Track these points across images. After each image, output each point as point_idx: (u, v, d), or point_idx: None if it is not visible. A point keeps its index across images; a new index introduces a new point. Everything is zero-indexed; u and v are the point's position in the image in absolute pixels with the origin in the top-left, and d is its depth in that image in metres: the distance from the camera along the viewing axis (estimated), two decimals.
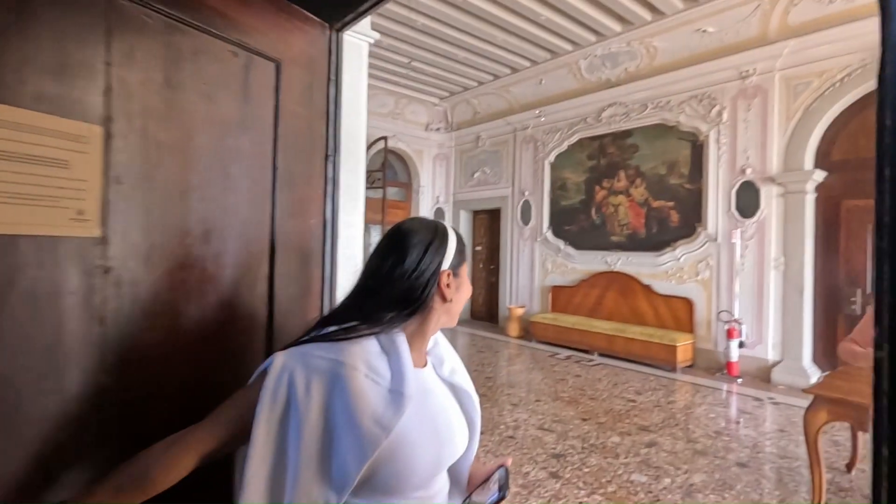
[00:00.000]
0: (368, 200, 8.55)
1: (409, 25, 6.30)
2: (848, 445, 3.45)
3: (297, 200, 1.19)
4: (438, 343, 1.01)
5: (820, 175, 5.26)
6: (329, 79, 1.27)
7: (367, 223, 8.93)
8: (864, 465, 3.24)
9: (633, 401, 4.67)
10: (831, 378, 2.77)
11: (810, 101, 5.28)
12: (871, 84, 4.93)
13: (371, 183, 8.66)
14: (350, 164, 1.46)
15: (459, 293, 0.93)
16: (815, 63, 5.23)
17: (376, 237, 8.93)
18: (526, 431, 3.83)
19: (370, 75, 8.18)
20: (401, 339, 0.85)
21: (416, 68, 7.84)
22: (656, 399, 4.75)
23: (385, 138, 8.59)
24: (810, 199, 5.33)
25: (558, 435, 3.77)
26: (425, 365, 0.93)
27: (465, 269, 0.96)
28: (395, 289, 0.84)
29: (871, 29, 4.83)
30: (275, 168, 1.14)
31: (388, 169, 9.48)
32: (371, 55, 7.33)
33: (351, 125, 1.44)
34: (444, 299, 0.89)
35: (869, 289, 5.00)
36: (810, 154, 5.32)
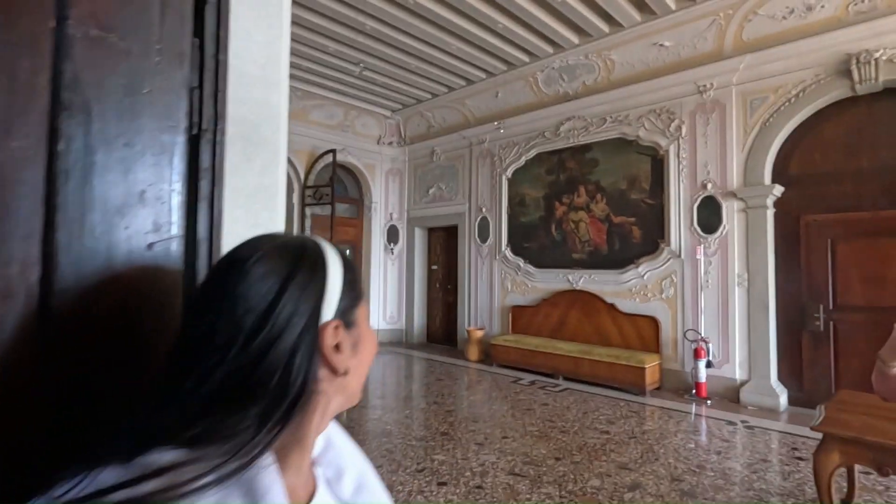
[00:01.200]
0: (316, 218, 7.96)
1: (357, 30, 5.87)
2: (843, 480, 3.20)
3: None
4: (332, 443, 0.62)
5: (779, 190, 5.21)
6: None
7: None
8: (861, 501, 2.99)
9: (607, 432, 4.31)
10: (837, 411, 2.48)
11: (767, 116, 5.25)
12: (825, 100, 4.95)
13: (318, 199, 8.07)
14: (254, 152, 0.94)
15: (359, 354, 0.56)
16: (770, 78, 5.22)
17: None
18: (496, 478, 3.35)
19: (316, 83, 7.69)
20: (270, 479, 0.44)
21: (367, 77, 7.40)
22: (630, 429, 4.42)
23: (334, 151, 8.05)
24: (771, 214, 5.27)
25: (532, 481, 3.32)
26: (312, 494, 0.53)
27: (364, 313, 0.59)
28: (232, 374, 0.45)
29: (823, 45, 4.86)
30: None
31: (338, 184, 8.92)
32: (318, 62, 6.85)
33: (255, 81, 0.92)
34: (333, 371, 0.52)
35: (831, 304, 4.94)
36: (769, 169, 5.27)
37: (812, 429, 2.33)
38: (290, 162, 8.14)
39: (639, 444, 4.02)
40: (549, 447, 3.94)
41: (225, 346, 0.45)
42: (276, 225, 1.16)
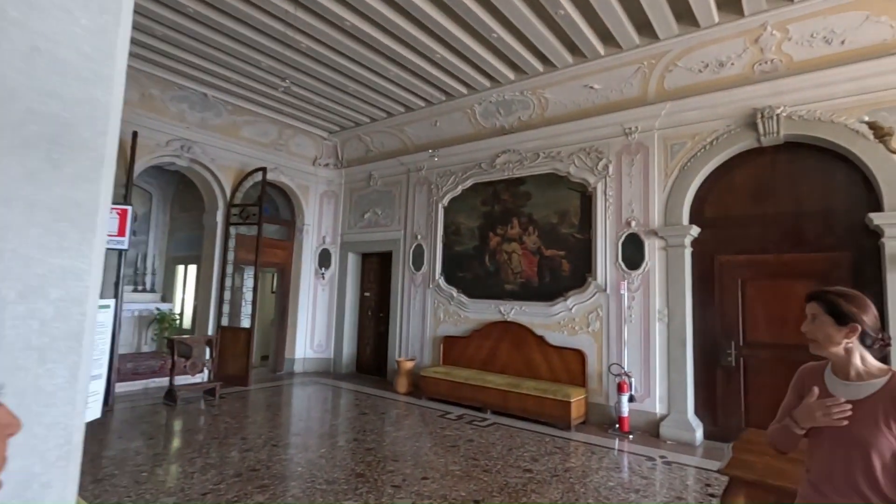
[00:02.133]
0: (241, 238, 7.50)
1: (291, 47, 5.68)
2: None
3: None
4: None
5: (695, 230, 5.49)
6: None
7: (240, 263, 7.81)
8: None
9: (530, 470, 4.19)
10: (742, 452, 2.50)
11: (685, 161, 5.56)
12: (735, 149, 5.31)
13: (245, 218, 7.64)
14: (64, 158, 0.74)
15: None
16: (688, 125, 5.56)
17: (249, 280, 7.80)
18: None
19: (248, 98, 7.37)
20: None
21: (303, 97, 7.18)
22: (553, 466, 4.33)
23: (264, 169, 7.70)
24: (689, 254, 5.52)
25: None
26: None
27: None
28: None
29: (733, 99, 5.24)
30: None
31: (268, 204, 8.52)
32: (250, 76, 6.56)
33: (75, 72, 0.73)
34: None
35: (741, 341, 5.18)
36: (687, 210, 5.56)
37: (718, 472, 2.31)
38: (215, 178, 7.69)
39: (560, 483, 3.93)
40: (469, 489, 3.75)
41: None
42: (91, 251, 0.94)
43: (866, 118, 3.81)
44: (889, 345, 1.49)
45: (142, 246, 9.53)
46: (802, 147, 5.03)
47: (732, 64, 5.23)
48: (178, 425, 5.32)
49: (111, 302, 1.70)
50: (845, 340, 1.45)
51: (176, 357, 6.37)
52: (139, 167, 6.76)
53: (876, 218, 4.44)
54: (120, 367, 6.90)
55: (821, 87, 4.80)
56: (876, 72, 4.53)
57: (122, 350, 8.41)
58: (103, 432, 4.92)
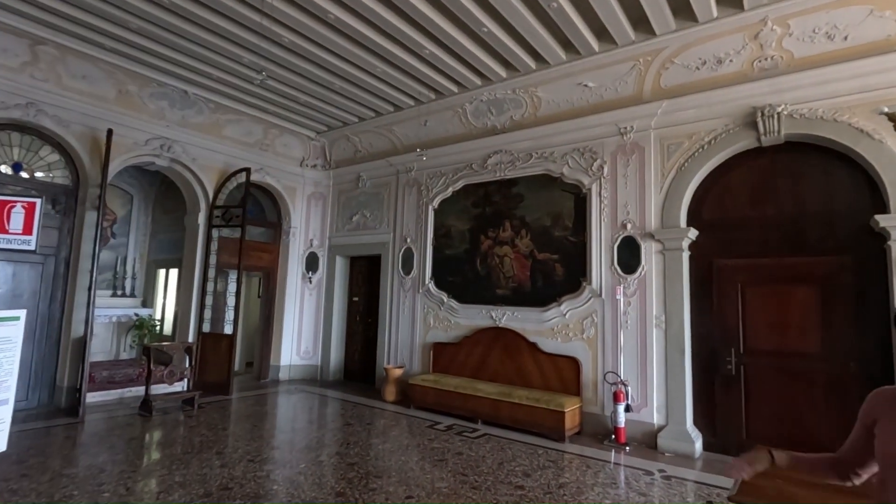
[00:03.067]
0: (224, 241, 7.21)
1: (273, 41, 5.44)
2: None
3: None
4: None
5: (693, 233, 5.29)
6: None
7: (222, 266, 7.53)
8: None
9: (522, 487, 3.95)
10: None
11: (682, 161, 5.37)
12: (734, 148, 5.13)
13: (228, 220, 7.37)
14: None
15: None
16: (685, 125, 5.37)
17: (232, 285, 7.52)
18: None
19: (231, 96, 7.11)
20: None
21: (288, 95, 6.93)
22: (546, 482, 4.09)
23: (248, 170, 7.45)
24: (686, 257, 5.32)
25: None
26: None
27: None
28: None
29: (732, 97, 5.06)
30: None
31: (253, 205, 8.26)
32: (232, 73, 6.29)
33: None
34: None
35: (741, 348, 4.98)
36: (685, 212, 5.36)
37: (729, 500, 2.09)
38: (197, 179, 7.42)
39: (554, 501, 3.69)
40: None
41: None
42: None
43: (886, 109, 3.63)
44: None
45: (121, 249, 9.21)
46: (804, 147, 4.85)
47: (731, 61, 5.06)
48: (150, 438, 5.03)
49: (21, 313, 1.45)
50: None
51: (153, 365, 6.08)
52: (116, 167, 6.48)
53: (882, 220, 4.26)
54: (94, 376, 6.60)
55: (823, 85, 4.62)
56: (880, 68, 4.36)
57: (98, 357, 8.10)
58: (69, 447, 4.63)
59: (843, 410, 4.36)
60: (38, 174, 6.09)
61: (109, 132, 6.04)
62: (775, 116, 4.81)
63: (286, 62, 5.92)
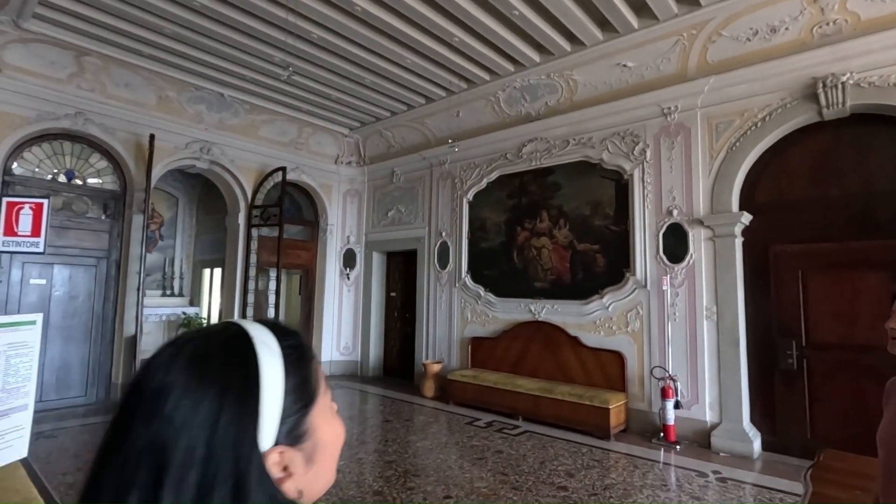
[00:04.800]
0: (263, 240, 7.35)
1: (304, 38, 5.43)
2: None
3: None
4: None
5: (747, 218, 4.92)
6: None
7: (263, 265, 7.68)
8: None
9: (565, 488, 3.79)
10: (824, 484, 2.04)
11: (733, 141, 5.00)
12: (791, 124, 4.72)
13: (266, 219, 7.49)
14: None
15: (317, 463, 0.48)
16: (735, 101, 4.99)
17: (272, 283, 7.66)
18: None
19: (265, 97, 7.20)
20: None
21: (319, 92, 6.95)
22: (591, 482, 3.91)
23: (283, 169, 7.53)
24: (739, 244, 4.96)
25: None
26: None
27: (322, 406, 0.52)
28: None
29: (789, 68, 4.66)
30: None
31: (290, 205, 8.38)
32: (264, 72, 6.36)
33: None
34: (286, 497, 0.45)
35: (804, 340, 4.60)
36: (736, 195, 4.99)
37: None
38: (235, 179, 7.58)
39: None
40: None
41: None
42: None
43: None
44: None
45: (169, 250, 9.59)
46: (872, 119, 4.39)
47: (787, 29, 4.64)
48: None
49: (38, 317, 1.44)
50: None
51: None
52: (159, 171, 6.69)
53: None
54: None
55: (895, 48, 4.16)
56: None
57: (150, 355, 8.46)
58: None
59: None
60: (90, 181, 6.37)
61: (152, 137, 6.24)
62: (839, 87, 4.38)
63: (316, 58, 5.92)
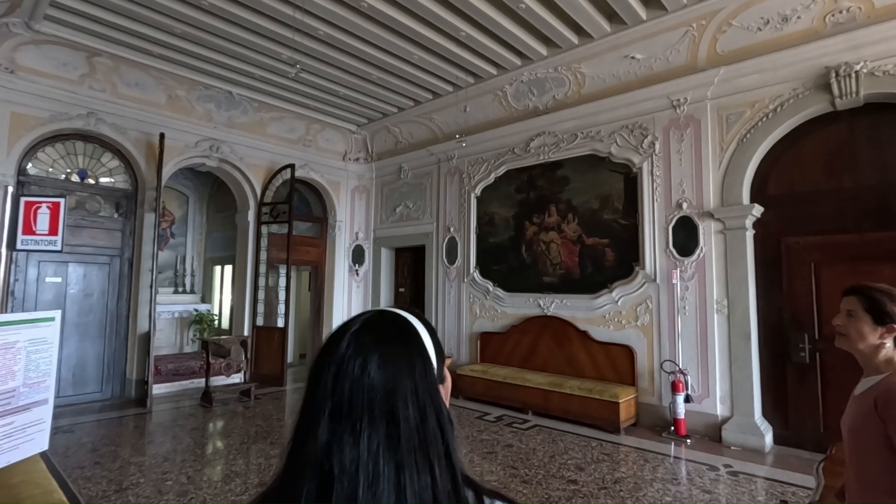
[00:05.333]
0: (272, 237, 7.42)
1: (310, 35, 5.45)
2: None
3: None
4: None
5: (758, 210, 4.87)
6: None
7: (272, 262, 7.75)
8: None
9: (575, 481, 3.80)
10: (835, 476, 2.02)
11: (744, 132, 4.94)
12: (803, 115, 4.65)
13: (276, 216, 7.55)
14: None
15: (447, 391, 0.70)
16: (746, 92, 4.93)
17: (283, 279, 7.71)
18: None
19: (273, 94, 7.25)
20: None
21: (327, 89, 6.97)
22: (601, 476, 3.91)
23: (292, 166, 7.58)
24: (750, 236, 4.91)
25: None
26: None
27: (446, 363, 0.74)
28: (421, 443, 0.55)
29: (801, 57, 4.59)
30: None
31: (299, 201, 8.43)
32: (271, 70, 6.39)
33: None
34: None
35: (817, 334, 4.55)
36: (747, 188, 4.94)
37: None
38: (245, 177, 7.64)
39: (610, 498, 3.52)
40: None
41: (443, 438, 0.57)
42: None
43: None
44: None
45: (180, 248, 9.70)
46: (887, 108, 4.32)
47: (799, 17, 4.57)
48: (210, 428, 5.25)
49: (56, 314, 1.47)
50: (879, 340, 1.39)
51: (211, 358, 6.35)
52: (170, 169, 6.77)
53: None
54: (161, 368, 7.00)
55: None
56: None
57: (163, 351, 8.59)
58: (137, 436, 4.91)
59: None
60: (102, 180, 6.46)
61: (161, 136, 6.30)
62: (853, 76, 4.30)
63: (323, 55, 5.94)
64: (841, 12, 4.39)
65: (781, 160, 4.86)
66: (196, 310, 9.29)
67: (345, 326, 0.62)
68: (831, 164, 4.58)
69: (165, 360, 7.55)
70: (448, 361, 0.90)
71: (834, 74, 4.38)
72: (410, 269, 8.56)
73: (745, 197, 4.93)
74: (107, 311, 6.28)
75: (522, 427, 5.24)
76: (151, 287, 6.15)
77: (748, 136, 4.91)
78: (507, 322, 6.70)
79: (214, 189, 9.86)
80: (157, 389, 6.47)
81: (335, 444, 0.53)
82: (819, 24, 4.52)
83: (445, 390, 0.67)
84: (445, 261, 7.55)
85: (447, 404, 0.63)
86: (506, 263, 6.86)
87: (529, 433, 5.04)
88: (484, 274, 7.09)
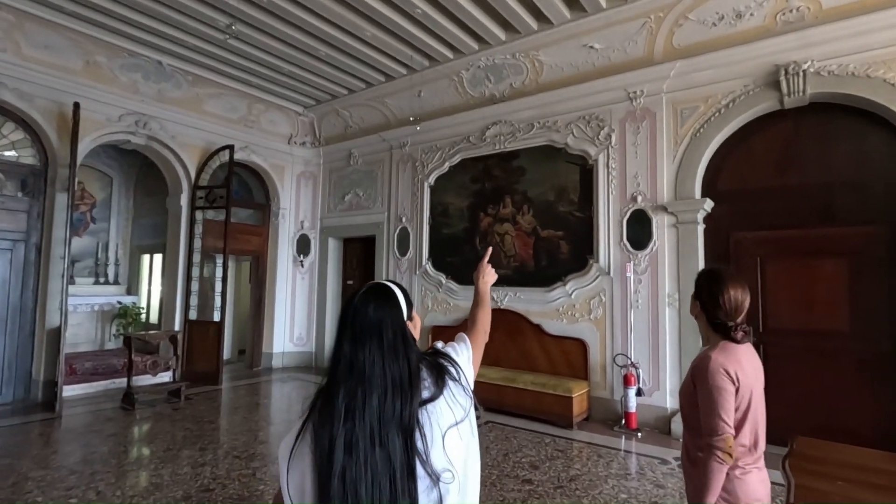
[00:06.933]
0: (208, 223, 6.79)
1: (253, 3, 4.96)
2: None
3: None
4: None
5: (709, 205, 4.92)
6: None
7: (208, 250, 7.13)
8: None
9: (530, 481, 3.64)
10: (806, 476, 1.94)
11: (697, 127, 4.97)
12: (753, 112, 4.72)
13: (212, 201, 6.95)
14: None
15: (416, 328, 1.12)
16: (701, 87, 4.95)
17: (219, 269, 7.13)
18: None
19: (211, 68, 6.63)
20: None
21: (271, 65, 6.46)
22: (556, 474, 3.79)
23: (231, 147, 6.99)
24: (701, 230, 4.96)
25: None
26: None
27: (414, 310, 1.15)
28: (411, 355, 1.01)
29: (753, 54, 4.64)
30: None
31: (239, 186, 7.84)
32: (208, 39, 5.80)
33: None
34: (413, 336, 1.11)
35: (762, 327, 4.65)
36: (699, 182, 4.98)
37: None
38: (177, 158, 6.98)
39: (566, 497, 3.39)
40: None
41: (407, 344, 0.97)
42: None
43: None
44: (745, 332, 1.62)
45: (102, 234, 8.79)
46: (832, 108, 4.44)
47: (752, 14, 4.61)
48: (130, 434, 4.70)
49: None
50: (697, 311, 1.71)
51: (135, 355, 5.74)
52: (87, 145, 6.04)
53: None
54: (76, 367, 6.26)
55: (855, 37, 4.20)
56: None
57: (82, 348, 7.77)
58: (40, 445, 4.30)
59: (875, 392, 4.05)
60: (4, 153, 5.65)
61: (76, 106, 5.58)
62: (800, 74, 4.39)
63: (266, 25, 5.45)
64: (791, 11, 4.46)
65: (732, 156, 4.93)
66: (120, 302, 8.46)
67: (357, 291, 1.02)
68: (779, 162, 4.68)
69: (83, 357, 6.79)
70: (418, 319, 1.16)
71: (783, 72, 4.46)
72: (360, 260, 8.18)
73: (698, 191, 4.96)
74: (8, 304, 5.52)
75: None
76: (63, 277, 5.45)
77: (701, 130, 4.94)
78: (460, 315, 6.50)
79: (143, 170, 8.99)
80: (72, 391, 5.79)
81: (355, 350, 0.92)
82: (771, 22, 4.58)
83: (413, 324, 1.07)
84: (397, 252, 7.25)
85: (416, 333, 1.05)
86: (460, 255, 6.65)
87: (483, 430, 4.86)
88: (437, 266, 6.85)
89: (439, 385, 0.95)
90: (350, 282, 8.28)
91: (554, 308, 5.73)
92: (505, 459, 4.08)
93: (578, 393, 5.09)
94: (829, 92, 4.35)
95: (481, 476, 3.03)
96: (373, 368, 0.89)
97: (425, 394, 0.92)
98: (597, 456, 4.24)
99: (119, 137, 6.50)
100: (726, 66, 4.79)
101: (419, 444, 0.85)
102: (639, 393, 4.94)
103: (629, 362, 5.05)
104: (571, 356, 5.49)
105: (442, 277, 6.72)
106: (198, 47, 5.99)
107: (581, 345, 5.44)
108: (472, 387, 1.06)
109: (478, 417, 1.14)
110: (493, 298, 6.17)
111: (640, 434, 4.77)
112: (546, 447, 4.42)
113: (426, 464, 0.85)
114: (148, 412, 5.35)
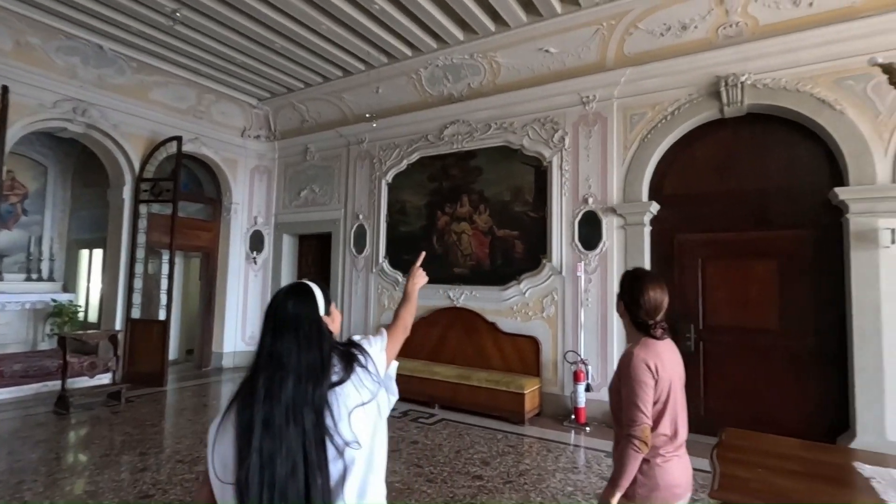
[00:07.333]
0: (154, 217, 6.48)
1: None
2: None
3: None
4: None
5: (655, 207, 5.13)
6: None
7: (153, 246, 6.81)
8: None
9: (480, 477, 3.70)
10: (731, 465, 2.07)
11: (645, 132, 5.17)
12: (696, 120, 4.96)
13: (157, 195, 6.65)
14: None
15: (334, 322, 1.26)
16: (649, 94, 5.16)
17: (165, 266, 6.83)
18: None
19: (158, 55, 6.32)
20: None
21: (223, 54, 6.23)
22: (506, 469, 3.86)
23: (179, 138, 6.71)
24: (648, 232, 5.17)
25: None
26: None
27: (333, 305, 1.28)
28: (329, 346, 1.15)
29: (697, 65, 4.87)
30: None
31: (189, 179, 7.53)
32: (154, 25, 5.50)
33: None
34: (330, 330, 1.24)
35: (701, 324, 4.91)
36: (647, 186, 5.18)
37: (711, 496, 1.86)
38: (119, 148, 6.63)
39: (514, 492, 3.46)
40: None
41: (321, 335, 1.10)
42: None
43: (880, 59, 3.48)
44: (664, 329, 1.73)
45: (35, 227, 8.22)
46: (766, 119, 4.73)
47: (696, 27, 4.84)
48: (64, 440, 4.44)
49: None
50: (621, 313, 1.80)
51: (70, 356, 5.42)
52: (17, 132, 5.63)
53: (840, 193, 4.20)
54: (4, 370, 5.86)
55: (786, 53, 4.49)
56: (843, 37, 4.25)
57: (11, 349, 7.27)
58: None
59: (802, 386, 4.35)
60: None
61: (4, 89, 5.20)
62: (739, 86, 4.65)
63: (216, 13, 5.25)
64: (731, 26, 4.72)
65: (677, 161, 5.16)
66: (55, 300, 7.94)
67: (282, 289, 1.15)
68: (719, 168, 4.94)
69: (12, 359, 6.35)
70: (337, 314, 1.29)
71: (723, 83, 4.71)
72: (315, 257, 8.03)
73: (645, 194, 5.17)
74: None
75: (429, 422, 5.08)
76: None
77: (649, 136, 5.15)
78: (417, 314, 6.46)
79: (81, 160, 8.46)
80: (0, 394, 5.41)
81: (275, 342, 1.04)
82: (713, 35, 4.82)
83: (331, 318, 1.19)
84: (353, 249, 7.17)
85: (335, 326, 1.21)
86: (417, 253, 6.63)
87: (436, 428, 4.90)
88: (394, 264, 6.82)
89: (348, 371, 1.07)
90: (305, 280, 8.10)
91: (508, 306, 5.83)
92: (457, 456, 4.12)
93: (531, 389, 5.20)
94: (765, 104, 4.63)
95: (433, 473, 3.05)
96: (290, 357, 1.00)
97: (335, 377, 1.04)
98: (546, 451, 4.35)
99: (54, 125, 6.10)
100: (672, 75, 5.01)
101: (328, 420, 0.97)
102: (588, 388, 5.10)
103: (579, 359, 5.21)
104: (525, 353, 5.60)
105: (399, 276, 6.69)
106: (142, 32, 5.71)
107: (534, 342, 5.56)
108: (391, 375, 1.27)
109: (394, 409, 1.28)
110: (449, 297, 6.23)
111: (588, 428, 4.93)
112: (498, 443, 4.49)
113: (333, 437, 0.97)
114: (84, 416, 5.07)
